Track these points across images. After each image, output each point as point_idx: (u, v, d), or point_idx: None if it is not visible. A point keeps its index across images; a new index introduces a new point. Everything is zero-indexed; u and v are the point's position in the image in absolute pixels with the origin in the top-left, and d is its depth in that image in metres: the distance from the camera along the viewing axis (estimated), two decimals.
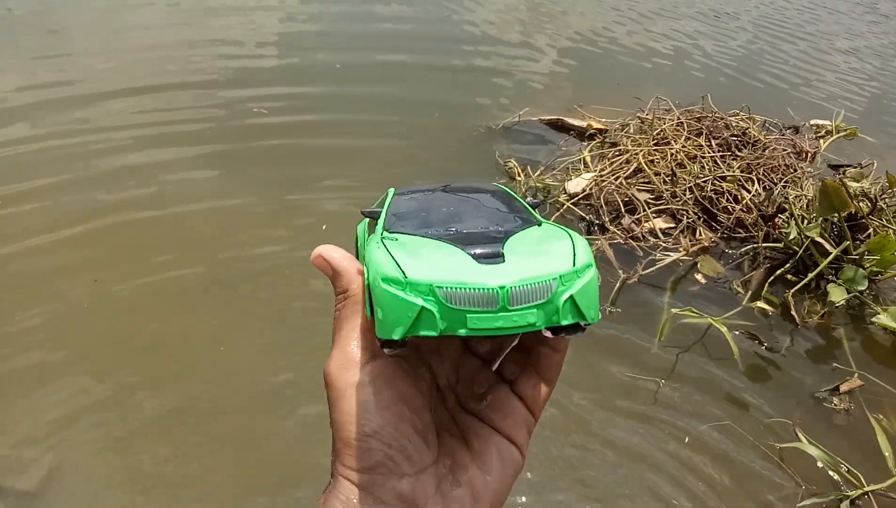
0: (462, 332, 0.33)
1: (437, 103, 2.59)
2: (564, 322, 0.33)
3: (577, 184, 2.11)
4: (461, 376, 0.44)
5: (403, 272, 0.33)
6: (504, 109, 2.61)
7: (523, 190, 2.10)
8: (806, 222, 1.87)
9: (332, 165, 2.19)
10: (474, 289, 0.32)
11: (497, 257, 0.34)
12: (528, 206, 0.43)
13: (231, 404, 1.42)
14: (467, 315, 0.33)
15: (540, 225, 0.39)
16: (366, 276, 0.36)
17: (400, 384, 0.38)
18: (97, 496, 1.26)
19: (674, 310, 1.65)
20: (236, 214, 1.93)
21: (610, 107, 2.63)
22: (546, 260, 0.34)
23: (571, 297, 0.33)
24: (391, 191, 0.43)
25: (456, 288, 0.33)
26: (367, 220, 0.44)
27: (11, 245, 1.74)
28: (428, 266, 0.34)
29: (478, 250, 0.35)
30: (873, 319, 1.69)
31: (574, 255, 0.34)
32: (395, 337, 0.33)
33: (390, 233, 0.37)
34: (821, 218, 1.81)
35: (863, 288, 1.74)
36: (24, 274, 1.67)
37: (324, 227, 1.91)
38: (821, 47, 3.72)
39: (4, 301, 1.59)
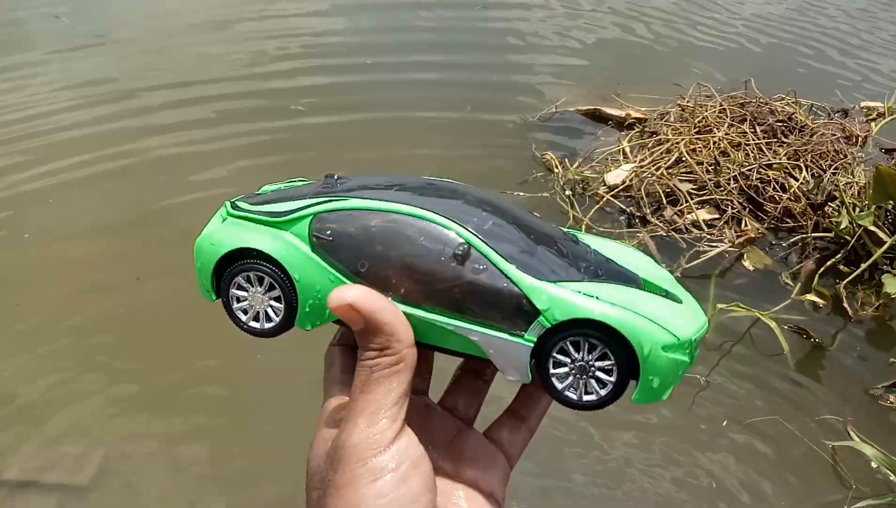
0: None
1: (469, 96, 2.56)
2: None
3: (616, 175, 2.07)
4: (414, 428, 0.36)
5: (675, 335, 0.33)
6: (539, 100, 2.57)
7: (562, 183, 2.07)
8: (858, 210, 1.79)
9: (364, 160, 2.18)
10: (705, 330, 0.37)
11: (662, 291, 0.39)
12: None
13: (282, 396, 1.43)
14: (695, 354, 0.35)
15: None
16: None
17: (425, 465, 0.33)
18: (149, 490, 1.29)
19: (720, 305, 1.61)
20: None
21: (649, 95, 2.56)
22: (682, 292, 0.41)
23: None
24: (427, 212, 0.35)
25: (701, 335, 0.36)
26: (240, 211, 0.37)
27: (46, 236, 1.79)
28: (674, 320, 0.34)
29: (649, 288, 0.38)
30: None
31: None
32: (666, 396, 0.34)
33: (564, 283, 0.34)
34: (874, 206, 1.73)
35: None
36: (68, 268, 1.72)
37: None
38: (862, 27, 3.57)
39: (47, 300, 1.64)
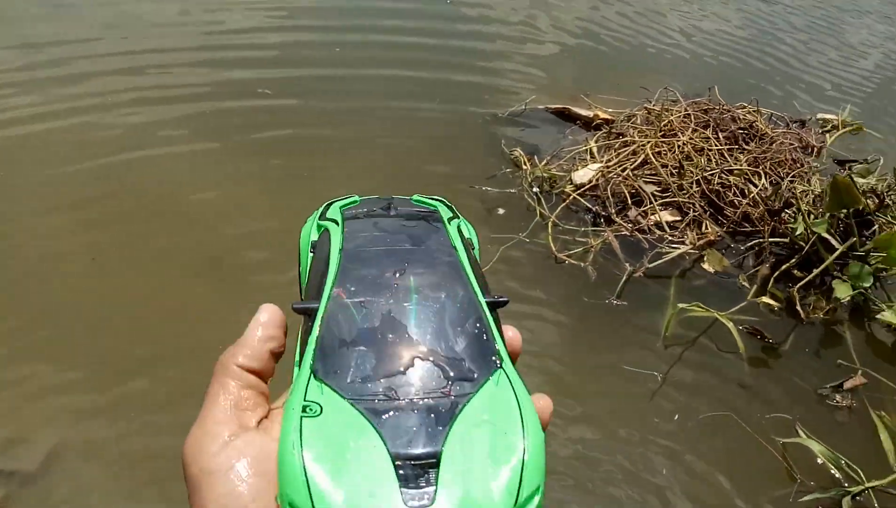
0: None
1: (439, 90, 2.57)
2: None
3: (583, 175, 2.10)
4: None
5: (312, 503, 0.27)
6: (509, 96, 2.59)
7: (529, 180, 2.09)
8: (813, 217, 1.86)
9: (329, 152, 2.17)
10: None
11: (428, 486, 0.27)
12: (485, 310, 0.34)
13: None
14: None
15: (497, 373, 0.31)
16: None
17: (270, 464, 0.31)
18: (97, 476, 1.26)
19: (680, 305, 1.65)
20: (228, 201, 1.92)
21: (616, 97, 2.61)
22: (487, 494, 0.27)
23: None
24: (337, 238, 0.37)
25: None
26: (315, 219, 0.42)
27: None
28: (341, 496, 0.27)
29: (409, 468, 0.27)
30: (878, 316, 1.69)
31: (521, 478, 0.28)
32: None
33: (316, 381, 0.30)
34: (828, 214, 1.80)
35: (868, 285, 1.74)
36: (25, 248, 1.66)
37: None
38: (825, 41, 3.69)
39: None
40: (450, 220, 0.40)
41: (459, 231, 0.40)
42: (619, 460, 1.39)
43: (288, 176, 2.02)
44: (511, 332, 0.35)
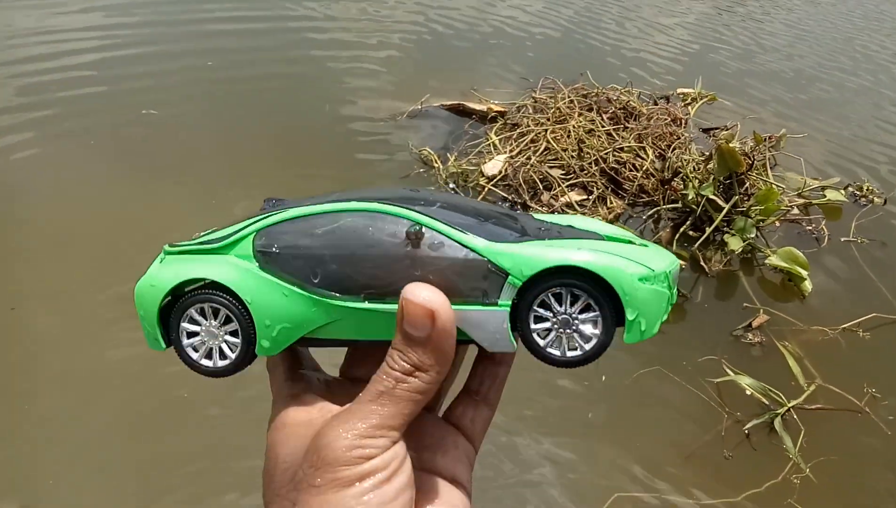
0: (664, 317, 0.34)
1: (327, 98, 2.57)
2: None
3: (493, 166, 2.21)
4: None
5: (648, 267, 0.32)
6: (401, 98, 2.64)
7: (444, 176, 2.16)
8: (698, 182, 2.10)
9: (248, 168, 2.12)
10: (677, 266, 0.36)
11: (626, 241, 0.38)
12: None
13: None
14: (673, 292, 0.35)
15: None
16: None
17: (408, 462, 0.32)
18: None
19: None
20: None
21: (502, 89, 2.75)
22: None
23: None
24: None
25: (674, 269, 0.36)
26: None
27: None
28: (644, 256, 0.34)
29: (613, 240, 0.37)
30: (766, 261, 1.95)
31: None
32: (656, 330, 0.33)
33: (525, 242, 0.34)
34: (713, 177, 2.04)
35: (752, 235, 1.99)
36: None
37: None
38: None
39: None
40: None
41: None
42: (569, 413, 1.52)
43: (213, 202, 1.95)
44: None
